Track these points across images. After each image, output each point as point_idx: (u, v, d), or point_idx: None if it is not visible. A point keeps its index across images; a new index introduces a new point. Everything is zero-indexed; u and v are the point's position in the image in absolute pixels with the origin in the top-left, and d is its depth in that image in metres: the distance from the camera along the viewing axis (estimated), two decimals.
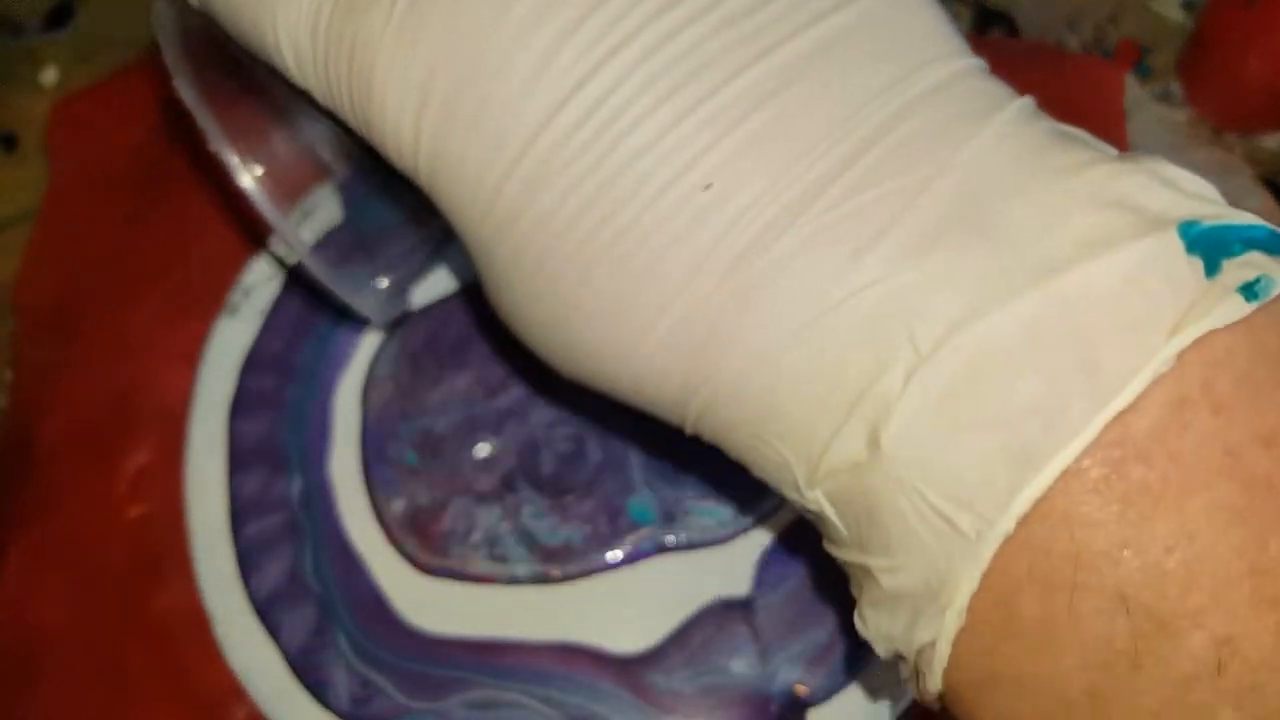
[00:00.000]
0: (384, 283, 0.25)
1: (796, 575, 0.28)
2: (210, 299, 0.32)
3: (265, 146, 0.22)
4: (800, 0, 0.16)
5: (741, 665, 0.27)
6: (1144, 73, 0.40)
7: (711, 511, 0.29)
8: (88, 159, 0.37)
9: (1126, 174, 0.16)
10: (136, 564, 0.30)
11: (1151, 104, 0.37)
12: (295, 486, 0.30)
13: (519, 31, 0.16)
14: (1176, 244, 0.15)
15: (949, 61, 0.17)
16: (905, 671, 0.17)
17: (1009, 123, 0.16)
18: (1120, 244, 0.15)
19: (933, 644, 0.16)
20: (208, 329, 0.31)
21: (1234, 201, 0.16)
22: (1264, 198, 0.34)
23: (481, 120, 0.16)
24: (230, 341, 0.31)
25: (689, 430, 0.19)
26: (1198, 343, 0.14)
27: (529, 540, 0.29)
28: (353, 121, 0.18)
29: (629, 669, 0.27)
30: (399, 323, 0.31)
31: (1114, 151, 0.17)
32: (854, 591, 0.18)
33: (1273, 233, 0.15)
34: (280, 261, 0.27)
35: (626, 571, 0.28)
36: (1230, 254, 0.15)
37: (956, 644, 0.15)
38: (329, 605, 0.28)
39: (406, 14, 0.17)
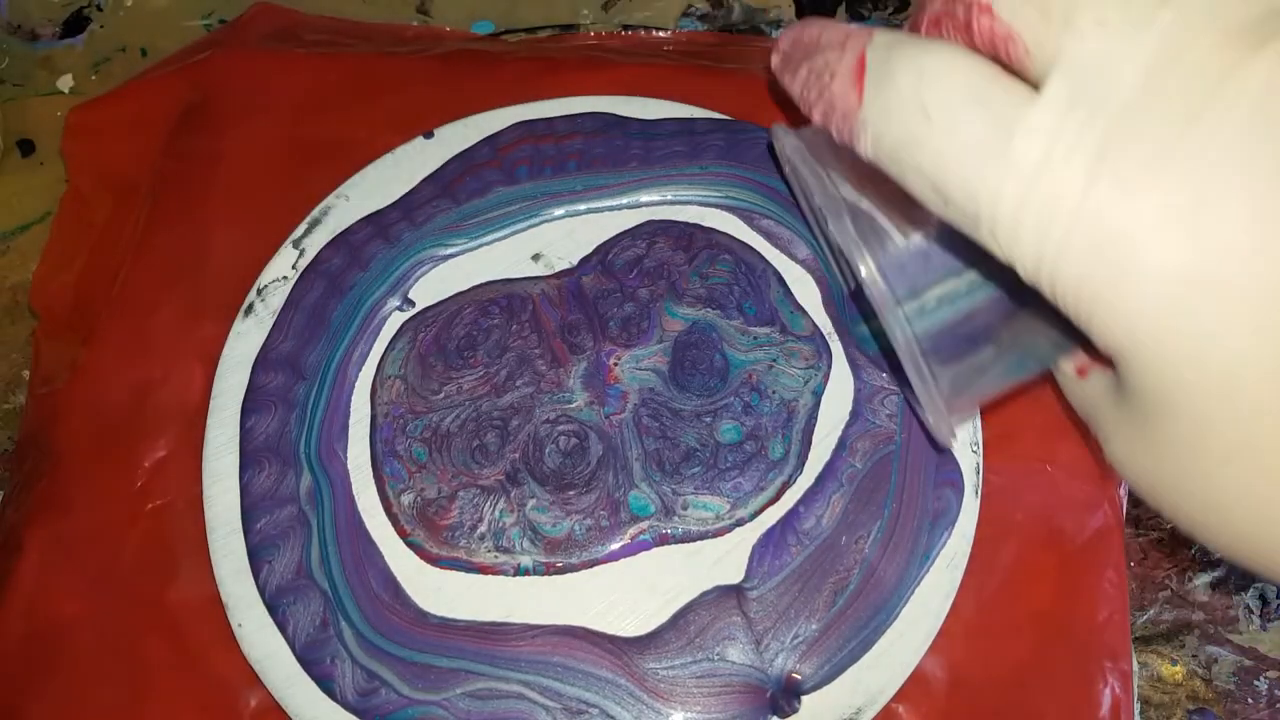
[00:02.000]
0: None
1: (789, 567, 0.29)
2: (225, 300, 0.33)
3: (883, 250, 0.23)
4: None
5: (737, 653, 0.28)
6: None
7: (708, 505, 0.30)
8: (103, 164, 0.37)
9: None
10: (153, 556, 0.30)
11: None
12: (304, 482, 0.30)
13: None
14: None
15: None
16: None
17: None
18: None
19: None
20: (222, 329, 0.32)
21: None
22: None
23: (1259, 307, 0.16)
24: (244, 341, 0.32)
25: None
26: None
27: (533, 532, 0.29)
28: (1070, 301, 0.17)
29: (628, 655, 0.28)
30: (414, 328, 0.32)
31: None
32: None
33: None
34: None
35: (626, 562, 0.29)
36: None
37: None
38: (336, 599, 0.29)
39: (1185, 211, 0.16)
